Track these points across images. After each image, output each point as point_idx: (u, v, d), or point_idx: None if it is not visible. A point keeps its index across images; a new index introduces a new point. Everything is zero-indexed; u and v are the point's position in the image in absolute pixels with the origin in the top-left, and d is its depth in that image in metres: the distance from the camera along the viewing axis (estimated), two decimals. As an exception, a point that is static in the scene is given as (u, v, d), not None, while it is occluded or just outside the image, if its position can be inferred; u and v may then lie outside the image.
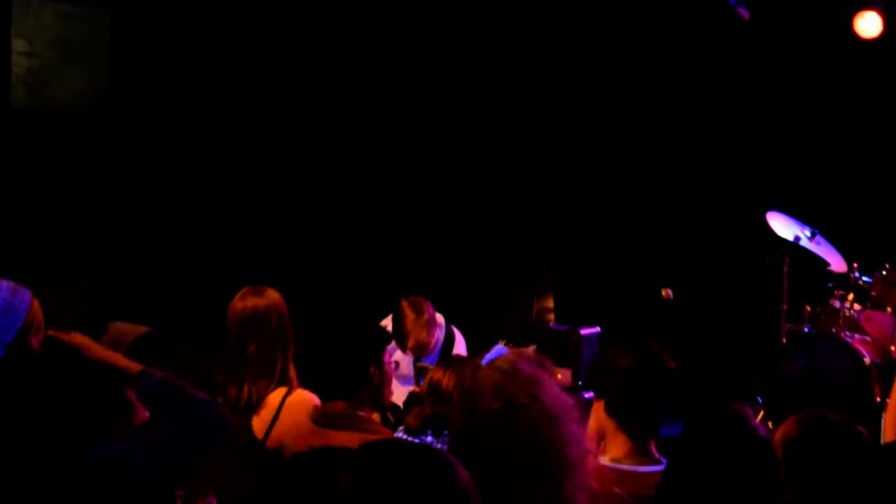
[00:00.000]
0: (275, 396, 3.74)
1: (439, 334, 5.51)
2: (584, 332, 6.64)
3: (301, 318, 6.40)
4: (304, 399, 3.76)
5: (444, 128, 7.70)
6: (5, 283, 2.75)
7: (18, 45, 5.66)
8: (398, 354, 5.42)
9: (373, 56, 7.27)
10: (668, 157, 8.34)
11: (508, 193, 7.90)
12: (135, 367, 2.88)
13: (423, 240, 7.57)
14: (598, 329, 6.72)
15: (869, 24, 7.39)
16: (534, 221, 8.08)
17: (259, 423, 3.74)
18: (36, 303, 2.78)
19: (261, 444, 3.72)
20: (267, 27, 6.79)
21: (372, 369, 3.57)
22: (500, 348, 2.45)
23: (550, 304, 7.84)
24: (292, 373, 3.83)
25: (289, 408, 3.73)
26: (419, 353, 5.40)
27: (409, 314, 5.33)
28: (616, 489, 2.67)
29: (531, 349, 5.42)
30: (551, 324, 7.63)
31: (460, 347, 5.69)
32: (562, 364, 5.41)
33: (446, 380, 3.42)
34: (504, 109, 7.77)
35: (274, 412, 3.72)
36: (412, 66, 7.50)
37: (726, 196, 8.26)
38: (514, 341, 5.56)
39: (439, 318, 5.52)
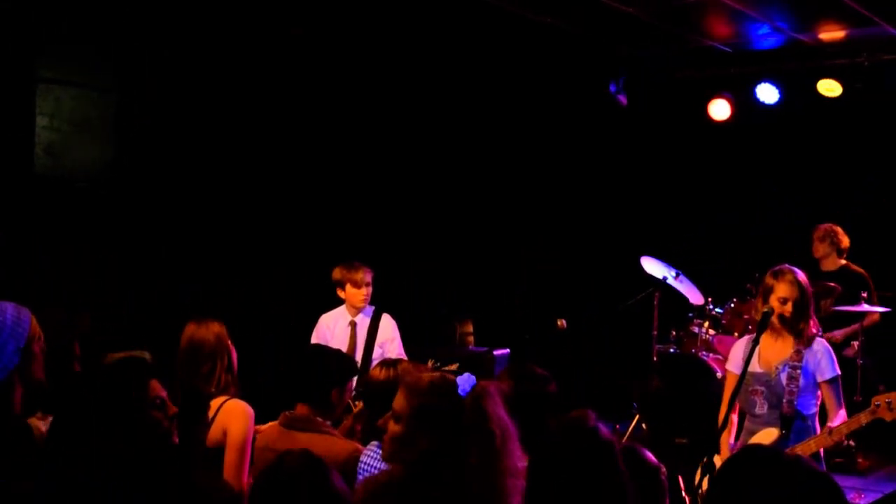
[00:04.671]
0: (215, 403, 3.92)
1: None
2: (497, 353, 7.03)
3: (299, 318, 6.60)
4: (236, 407, 3.90)
5: (421, 138, 7.75)
6: (9, 303, 2.99)
7: (41, 121, 5.89)
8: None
9: (376, 61, 7.19)
10: (572, 211, 8.93)
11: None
12: None
13: (407, 243, 7.66)
14: (507, 350, 7.16)
15: (719, 109, 8.26)
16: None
17: (204, 427, 3.88)
18: (34, 318, 3.02)
19: (202, 444, 3.85)
20: (261, 69, 6.75)
21: (334, 391, 3.82)
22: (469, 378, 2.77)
23: (470, 328, 7.97)
24: (224, 382, 4.00)
25: (222, 413, 3.88)
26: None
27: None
28: None
29: (455, 366, 6.46)
30: (471, 345, 7.79)
31: (388, 326, 6.08)
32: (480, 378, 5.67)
33: (383, 376, 3.57)
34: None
35: (213, 416, 3.87)
36: (413, 71, 7.44)
37: (609, 241, 8.96)
38: (442, 361, 6.44)
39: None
